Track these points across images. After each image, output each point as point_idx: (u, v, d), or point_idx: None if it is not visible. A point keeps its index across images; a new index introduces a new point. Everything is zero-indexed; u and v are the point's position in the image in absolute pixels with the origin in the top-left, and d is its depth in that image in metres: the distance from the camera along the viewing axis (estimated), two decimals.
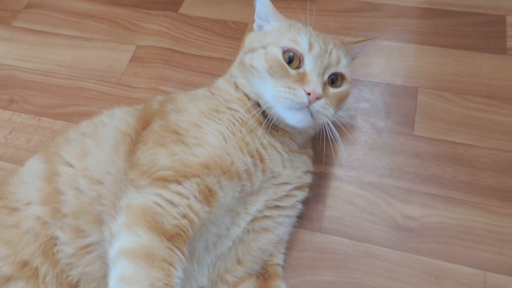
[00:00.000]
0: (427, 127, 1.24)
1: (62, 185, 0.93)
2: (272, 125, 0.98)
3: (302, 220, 1.08)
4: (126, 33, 1.55)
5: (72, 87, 1.42)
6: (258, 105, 1.00)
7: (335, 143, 0.99)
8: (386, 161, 1.20)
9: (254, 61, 0.99)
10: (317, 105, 0.92)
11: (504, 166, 1.16)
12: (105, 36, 1.54)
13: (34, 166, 0.99)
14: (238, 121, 0.96)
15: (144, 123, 1.00)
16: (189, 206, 0.84)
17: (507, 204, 1.10)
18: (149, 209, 0.81)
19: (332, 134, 0.97)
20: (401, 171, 1.18)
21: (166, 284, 0.75)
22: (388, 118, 1.27)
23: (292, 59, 0.96)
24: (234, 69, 1.07)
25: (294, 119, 0.94)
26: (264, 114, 0.98)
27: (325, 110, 0.94)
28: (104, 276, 0.88)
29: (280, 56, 0.96)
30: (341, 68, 1.00)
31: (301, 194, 1.05)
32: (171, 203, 0.83)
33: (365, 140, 1.24)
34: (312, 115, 0.93)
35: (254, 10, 1.10)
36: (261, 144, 0.96)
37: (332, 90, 0.98)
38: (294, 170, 1.02)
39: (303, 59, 0.96)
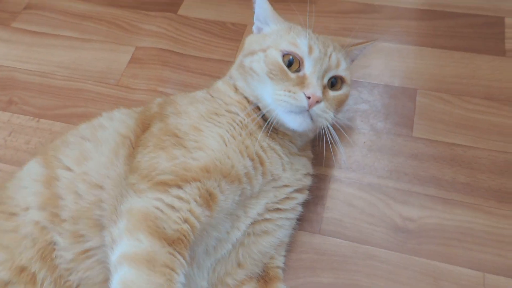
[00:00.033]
0: (426, 128, 1.24)
1: (61, 190, 0.92)
2: (272, 128, 0.97)
3: (301, 222, 1.08)
4: (125, 34, 1.54)
5: (71, 88, 1.42)
6: (258, 108, 1.00)
7: (334, 145, 0.99)
8: (385, 163, 1.20)
9: (254, 64, 0.99)
10: (317, 109, 0.92)
11: (503, 168, 1.16)
12: (103, 37, 1.54)
13: (33, 170, 0.98)
14: (238, 124, 0.95)
15: (144, 126, 1.00)
16: (190, 210, 0.83)
17: (506, 205, 1.11)
18: (150, 214, 0.81)
19: (332, 136, 0.97)
20: (400, 172, 1.18)
21: None
22: (387, 120, 1.27)
23: (292, 62, 0.96)
24: (234, 71, 1.07)
25: (294, 122, 0.94)
26: (264, 117, 0.98)
27: (325, 114, 0.94)
28: (104, 281, 0.88)
29: (279, 59, 0.96)
30: (341, 71, 1.00)
31: (301, 197, 1.05)
32: (172, 207, 0.83)
33: (364, 142, 1.24)
34: (312, 118, 0.93)
35: (253, 11, 1.10)
36: (261, 147, 0.96)
37: (331, 93, 0.98)
38: (294, 173, 1.02)
39: (302, 62, 0.95)
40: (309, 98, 0.91)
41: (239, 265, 0.98)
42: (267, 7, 1.06)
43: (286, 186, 1.01)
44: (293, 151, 1.04)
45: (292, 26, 1.04)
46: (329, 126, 0.96)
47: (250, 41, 1.08)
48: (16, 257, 0.88)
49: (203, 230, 0.88)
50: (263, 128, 0.97)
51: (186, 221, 0.83)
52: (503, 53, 1.36)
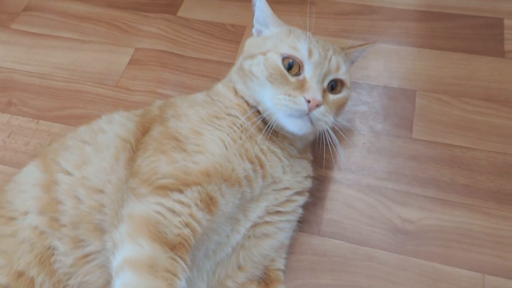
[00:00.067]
0: (425, 130, 1.24)
1: (60, 194, 0.92)
2: (272, 131, 0.97)
3: (301, 223, 1.08)
4: (124, 35, 1.55)
5: (70, 90, 1.42)
6: (258, 111, 1.00)
7: (333, 147, 0.99)
8: (384, 164, 1.20)
9: (254, 67, 0.98)
10: (317, 113, 0.92)
11: (502, 169, 1.16)
12: (103, 39, 1.54)
13: (32, 174, 0.97)
14: (238, 128, 0.95)
15: (144, 129, 1.00)
16: (190, 215, 0.83)
17: (505, 206, 1.11)
18: (151, 218, 0.81)
19: (331, 139, 0.97)
20: (399, 174, 1.18)
21: None
22: (386, 121, 1.27)
23: (292, 65, 0.95)
24: (234, 74, 1.06)
25: (294, 126, 0.94)
26: (264, 120, 0.98)
27: (324, 117, 0.94)
28: (104, 285, 0.88)
29: (279, 63, 0.95)
30: (341, 75, 0.99)
31: (302, 199, 1.04)
32: (173, 212, 0.82)
33: (363, 143, 1.24)
34: (312, 122, 0.93)
35: (252, 13, 1.09)
36: (261, 150, 0.96)
37: (331, 97, 0.98)
38: (294, 175, 1.02)
39: (302, 66, 0.95)
40: (309, 102, 0.91)
41: (239, 268, 0.97)
42: (267, 9, 1.06)
43: (286, 188, 1.01)
44: (293, 154, 1.04)
45: (292, 29, 1.03)
46: (329, 129, 0.96)
47: (250, 44, 1.08)
48: (15, 262, 0.88)
49: (204, 234, 0.87)
50: (263, 131, 0.97)
51: (187, 225, 0.82)
52: (502, 55, 1.36)
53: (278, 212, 1.00)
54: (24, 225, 0.91)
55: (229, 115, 0.98)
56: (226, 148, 0.91)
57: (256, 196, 0.96)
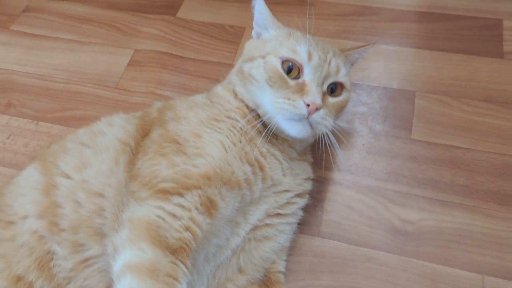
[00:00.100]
0: (424, 130, 1.24)
1: (60, 198, 0.91)
2: (271, 133, 0.97)
3: (300, 224, 1.08)
4: (124, 37, 1.55)
5: (70, 91, 1.42)
6: (258, 115, 0.99)
7: (333, 148, 0.98)
8: (383, 165, 1.20)
9: (253, 70, 0.98)
10: (316, 116, 0.92)
11: (502, 170, 1.16)
12: (102, 40, 1.54)
13: (31, 177, 0.97)
14: (238, 131, 0.95)
15: (144, 132, 0.99)
16: (191, 218, 0.83)
17: (505, 207, 1.11)
18: (152, 222, 0.81)
19: (330, 142, 0.97)
20: (398, 174, 1.18)
21: None
22: (386, 122, 1.27)
23: (291, 69, 0.95)
24: (233, 77, 1.06)
25: (294, 130, 0.93)
26: (263, 123, 0.97)
27: (324, 121, 0.94)
28: None
29: (279, 66, 0.95)
30: (341, 77, 0.99)
31: (302, 201, 1.04)
32: (174, 216, 0.82)
33: (363, 144, 1.24)
34: (311, 125, 0.93)
35: (251, 14, 1.09)
36: (260, 152, 0.96)
37: (331, 100, 0.97)
38: (294, 178, 1.02)
39: (302, 69, 0.94)
40: (308, 105, 0.90)
41: (240, 270, 0.97)
42: (266, 12, 1.05)
43: (286, 191, 1.00)
44: (293, 156, 1.04)
45: (291, 31, 1.03)
46: (328, 132, 0.96)
47: (249, 47, 1.07)
48: (14, 266, 0.87)
49: (204, 238, 0.87)
50: (263, 134, 0.96)
51: (187, 229, 0.82)
52: (501, 56, 1.36)
53: (279, 214, 1.00)
54: (23, 229, 0.90)
55: (229, 117, 0.97)
56: (226, 151, 0.91)
57: (256, 199, 0.96)
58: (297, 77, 0.95)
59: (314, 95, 0.91)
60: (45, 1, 1.68)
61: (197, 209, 0.84)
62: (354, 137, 1.25)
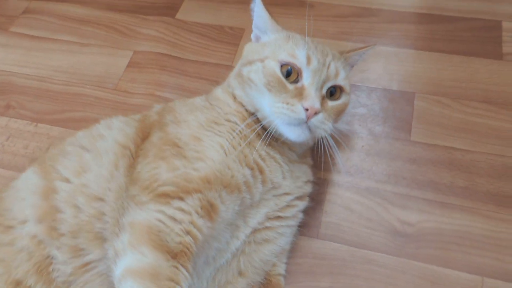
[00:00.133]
0: (424, 132, 1.24)
1: (59, 203, 0.91)
2: (271, 137, 0.96)
3: (300, 226, 1.08)
4: (123, 38, 1.55)
5: (69, 93, 1.42)
6: (257, 118, 0.99)
7: (332, 150, 0.98)
8: (383, 167, 1.20)
9: (252, 74, 0.97)
10: (315, 120, 0.91)
11: (501, 172, 1.16)
12: (102, 42, 1.54)
13: (30, 180, 0.96)
14: (238, 134, 0.94)
15: (144, 135, 0.99)
16: (191, 222, 0.83)
17: (504, 209, 1.11)
18: (153, 227, 0.80)
19: (329, 145, 0.97)
20: (398, 176, 1.18)
21: None
22: (385, 124, 1.27)
23: (290, 72, 0.94)
24: (232, 80, 1.05)
25: (293, 134, 0.93)
26: (263, 127, 0.97)
27: (323, 125, 0.93)
28: None
29: (277, 70, 0.94)
30: (340, 81, 0.98)
31: (302, 204, 1.04)
32: (174, 220, 0.82)
33: (362, 146, 1.24)
34: (310, 129, 0.93)
35: (250, 15, 1.09)
36: (260, 155, 0.95)
37: (330, 103, 0.97)
38: (294, 180, 1.02)
39: (301, 73, 0.94)
40: (307, 110, 0.90)
41: (240, 273, 0.97)
42: (265, 15, 1.04)
43: (286, 194, 1.00)
44: (293, 159, 1.03)
45: (290, 35, 1.02)
46: (327, 136, 0.96)
47: (248, 50, 1.07)
48: (12, 270, 0.87)
49: (204, 242, 0.87)
50: (262, 137, 0.96)
51: (188, 233, 0.82)
52: (500, 57, 1.36)
53: (279, 217, 0.99)
54: (22, 233, 0.90)
55: (228, 121, 0.97)
56: (225, 154, 0.91)
57: (256, 202, 0.96)
58: (296, 81, 0.94)
59: (312, 100, 0.91)
60: (44, 3, 1.68)
61: (197, 213, 0.84)
62: (354, 138, 1.25)
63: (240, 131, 0.95)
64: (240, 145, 0.93)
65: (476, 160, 1.18)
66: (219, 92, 1.07)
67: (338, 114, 1.00)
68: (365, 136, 1.25)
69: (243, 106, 1.01)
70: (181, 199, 0.84)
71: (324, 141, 0.96)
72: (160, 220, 0.81)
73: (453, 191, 1.14)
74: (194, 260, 0.85)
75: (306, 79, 0.94)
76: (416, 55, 1.41)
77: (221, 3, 1.62)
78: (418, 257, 1.06)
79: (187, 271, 0.80)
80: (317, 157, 1.10)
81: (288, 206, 1.01)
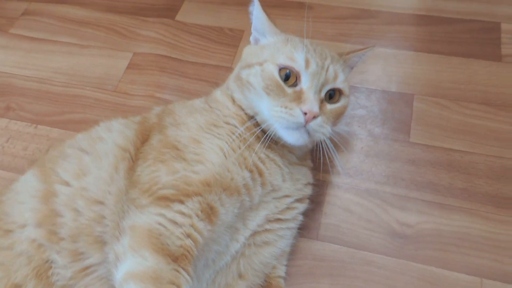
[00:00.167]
0: (423, 134, 1.25)
1: (59, 206, 0.91)
2: (270, 139, 0.96)
3: (299, 228, 1.08)
4: (123, 40, 1.55)
5: (69, 95, 1.42)
6: (257, 122, 0.99)
7: (331, 152, 0.98)
8: (382, 168, 1.20)
9: (251, 77, 0.97)
10: (313, 124, 0.91)
11: (500, 173, 1.16)
12: (101, 43, 1.54)
13: (30, 183, 0.96)
14: (237, 137, 0.94)
15: (143, 138, 0.99)
16: (192, 225, 0.83)
17: (503, 210, 1.11)
18: (154, 230, 0.80)
19: (328, 148, 0.97)
20: (397, 178, 1.18)
21: None
22: (384, 125, 1.27)
23: (289, 76, 0.94)
24: (231, 83, 1.05)
25: (291, 138, 0.93)
26: (262, 130, 0.97)
27: (322, 129, 0.93)
28: None
29: (276, 74, 0.94)
30: (338, 84, 0.98)
31: (302, 206, 1.04)
32: (175, 223, 0.82)
33: (362, 147, 1.24)
34: (309, 133, 0.93)
35: (250, 17, 1.09)
36: (259, 158, 0.95)
37: (329, 107, 0.97)
38: (294, 183, 1.02)
39: (299, 76, 0.94)
40: (305, 114, 0.90)
41: (240, 276, 0.97)
42: (264, 18, 1.04)
43: (286, 196, 1.00)
44: (293, 161, 1.03)
45: (289, 37, 1.02)
46: (326, 139, 0.96)
47: (247, 53, 1.07)
48: (12, 274, 0.87)
49: (205, 245, 0.87)
50: (261, 140, 0.95)
51: (189, 236, 0.82)
52: (499, 59, 1.37)
53: (279, 219, 0.99)
54: (21, 237, 0.90)
55: (228, 123, 0.97)
56: (225, 157, 0.91)
57: (255, 205, 0.96)
58: (295, 84, 0.94)
59: (311, 103, 0.91)
60: (44, 5, 1.68)
61: (197, 216, 0.84)
62: (353, 140, 1.25)
63: (239, 134, 0.95)
64: (239, 148, 0.93)
65: (475, 162, 1.19)
66: (218, 94, 1.07)
67: (337, 117, 1.00)
68: (364, 138, 1.26)
69: (242, 109, 1.01)
70: (181, 202, 0.84)
71: (323, 144, 0.96)
72: (160, 224, 0.81)
73: (452, 193, 1.14)
74: (195, 263, 0.85)
75: (305, 83, 0.94)
76: (415, 57, 1.41)
77: (220, 5, 1.62)
78: (417, 258, 1.06)
79: (188, 274, 0.80)
80: (316, 158, 1.10)
81: (288, 208, 1.01)
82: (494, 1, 1.50)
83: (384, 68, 1.39)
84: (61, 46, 1.55)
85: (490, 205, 1.12)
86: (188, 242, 0.82)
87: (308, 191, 1.06)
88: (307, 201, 1.06)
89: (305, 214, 1.08)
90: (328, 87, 0.97)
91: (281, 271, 1.03)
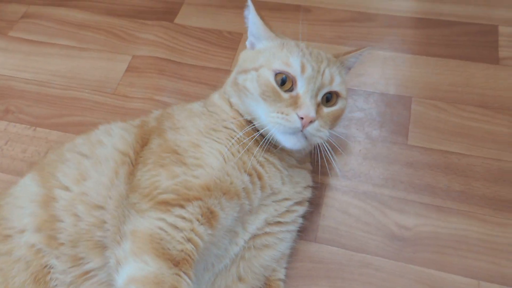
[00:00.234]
0: (421, 136, 1.25)
1: (59, 211, 0.91)
2: (269, 143, 0.96)
3: (298, 231, 1.08)
4: (122, 43, 1.55)
5: (68, 97, 1.43)
6: (254, 126, 0.98)
7: (329, 155, 0.98)
8: (380, 171, 1.20)
9: (247, 83, 0.97)
10: (310, 129, 0.91)
11: (497, 176, 1.17)
12: (101, 46, 1.55)
13: (29, 187, 0.96)
14: (236, 141, 0.94)
15: (143, 141, 0.99)
16: (192, 230, 0.83)
17: (500, 213, 1.11)
18: (155, 235, 0.81)
19: (326, 151, 0.97)
20: (395, 180, 1.18)
21: None
22: (382, 128, 1.28)
23: (285, 81, 0.94)
24: (228, 88, 1.05)
25: (289, 142, 0.93)
26: (261, 134, 0.96)
27: (319, 132, 0.93)
28: None
29: (272, 80, 0.94)
30: (335, 87, 0.98)
31: (302, 209, 1.04)
32: (175, 227, 0.82)
33: (360, 150, 1.24)
34: (306, 137, 0.93)
35: (245, 21, 1.09)
36: (258, 162, 0.95)
37: (326, 110, 0.97)
38: (294, 186, 1.02)
39: (295, 81, 0.94)
40: (302, 118, 0.90)
41: (240, 279, 0.97)
42: (259, 22, 1.04)
43: (286, 199, 1.00)
44: (292, 164, 1.04)
45: (285, 42, 1.02)
46: (324, 143, 0.96)
47: (244, 58, 1.07)
48: (10, 280, 0.87)
49: (205, 249, 0.87)
50: (260, 144, 0.95)
51: (189, 240, 0.82)
52: (496, 61, 1.37)
53: (278, 222, 1.00)
54: (20, 243, 0.90)
55: (226, 128, 0.97)
56: (224, 161, 0.91)
57: (255, 208, 0.96)
58: (291, 89, 0.94)
59: (307, 108, 0.91)
60: (43, 8, 1.68)
61: (198, 220, 0.84)
62: (351, 143, 1.26)
63: (238, 138, 0.95)
64: (239, 152, 0.93)
65: (473, 164, 1.19)
66: (216, 98, 1.07)
67: (335, 120, 1.00)
68: (363, 140, 1.26)
69: (240, 114, 1.01)
70: (181, 206, 0.84)
71: (321, 147, 0.97)
72: (161, 228, 0.82)
73: (449, 195, 1.15)
74: (195, 267, 0.85)
75: (301, 87, 0.94)
76: (413, 60, 1.42)
77: (219, 8, 1.63)
78: (415, 261, 1.06)
79: (190, 278, 0.80)
80: (315, 161, 1.10)
81: (287, 211, 1.01)
82: (491, 4, 1.51)
83: (382, 71, 1.40)
84: (60, 49, 1.55)
85: (487, 208, 1.12)
86: (189, 246, 0.82)
87: (307, 193, 1.06)
88: (307, 203, 1.06)
89: (304, 216, 1.08)
90: (324, 91, 0.97)
91: (281, 274, 1.03)
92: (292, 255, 1.09)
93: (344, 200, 1.17)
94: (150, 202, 0.85)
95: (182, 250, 0.81)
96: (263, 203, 0.97)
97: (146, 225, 0.82)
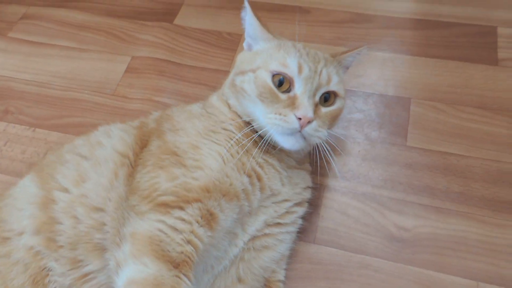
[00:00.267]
0: (420, 137, 1.25)
1: (58, 214, 0.91)
2: (268, 144, 0.96)
3: (297, 231, 1.08)
4: (122, 44, 1.55)
5: (68, 98, 1.43)
6: (253, 127, 0.99)
7: (328, 156, 0.99)
8: (379, 172, 1.21)
9: (245, 84, 0.97)
10: (309, 129, 0.91)
11: (496, 177, 1.17)
12: (100, 47, 1.55)
13: (28, 189, 0.96)
14: (235, 142, 0.94)
15: (142, 143, 0.99)
16: (192, 232, 0.83)
17: (499, 214, 1.11)
18: (154, 237, 0.81)
19: (325, 151, 0.97)
20: (394, 181, 1.19)
21: None
22: (381, 129, 1.28)
23: (282, 82, 0.94)
24: (226, 89, 1.05)
25: (287, 143, 0.94)
26: (260, 135, 0.97)
27: (317, 133, 0.93)
28: None
29: (269, 81, 0.94)
30: (333, 86, 0.98)
31: (301, 210, 1.04)
32: (175, 229, 0.82)
33: (359, 151, 1.24)
34: (304, 138, 0.93)
35: (242, 23, 1.09)
36: (258, 163, 0.95)
37: (324, 110, 0.97)
38: (293, 187, 1.02)
39: (293, 82, 0.94)
40: (300, 119, 0.90)
41: (239, 280, 0.97)
42: (256, 23, 1.04)
43: (286, 200, 1.00)
44: (292, 164, 1.04)
45: (282, 43, 1.02)
46: (322, 143, 0.96)
47: (241, 60, 1.07)
48: (8, 282, 0.87)
49: (204, 251, 0.87)
50: (259, 145, 0.95)
51: (189, 242, 0.83)
52: (495, 63, 1.37)
53: (278, 224, 1.00)
54: (19, 245, 0.90)
55: (225, 129, 0.98)
56: (224, 162, 0.91)
57: (254, 210, 0.96)
58: (288, 90, 0.94)
59: (305, 109, 0.91)
60: (43, 8, 1.69)
61: (197, 222, 0.84)
62: (350, 144, 1.26)
63: (237, 139, 0.95)
64: (238, 153, 0.93)
65: (472, 166, 1.19)
66: (214, 99, 1.07)
67: (333, 119, 1.00)
68: (362, 141, 1.26)
69: (238, 115, 1.01)
70: (181, 208, 0.85)
71: (320, 148, 0.97)
72: (161, 230, 0.82)
73: (448, 196, 1.15)
74: (195, 268, 0.85)
75: (298, 88, 0.94)
76: (412, 61, 1.42)
77: (219, 9, 1.63)
78: (414, 262, 1.07)
79: (189, 280, 0.80)
80: (314, 162, 1.10)
81: (287, 212, 1.01)
82: (490, 6, 1.51)
83: (381, 72, 1.40)
84: (60, 50, 1.55)
85: (486, 209, 1.12)
86: (189, 248, 0.82)
87: (307, 194, 1.07)
88: (306, 204, 1.07)
89: (303, 217, 1.08)
90: (322, 91, 0.97)
91: (280, 275, 1.03)
92: (291, 256, 1.09)
93: (343, 201, 1.17)
94: (150, 204, 0.85)
95: (181, 252, 0.81)
96: (262, 205, 0.97)
97: (146, 227, 0.82)
